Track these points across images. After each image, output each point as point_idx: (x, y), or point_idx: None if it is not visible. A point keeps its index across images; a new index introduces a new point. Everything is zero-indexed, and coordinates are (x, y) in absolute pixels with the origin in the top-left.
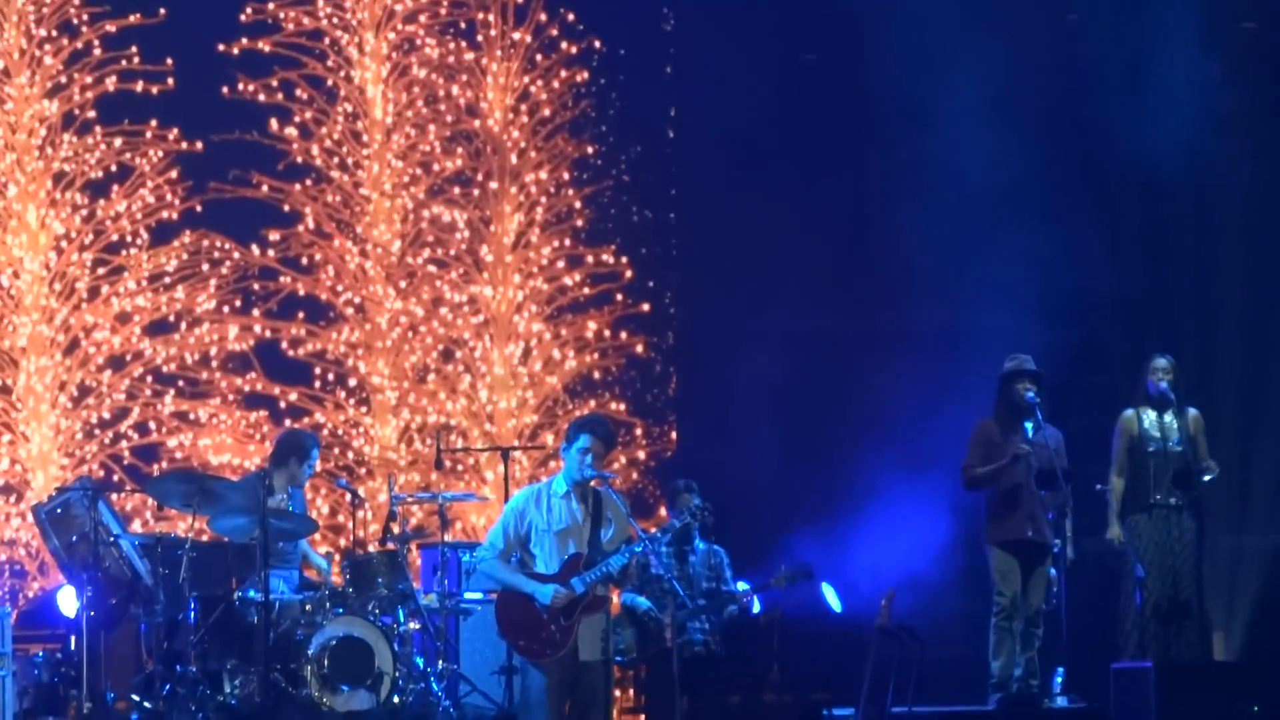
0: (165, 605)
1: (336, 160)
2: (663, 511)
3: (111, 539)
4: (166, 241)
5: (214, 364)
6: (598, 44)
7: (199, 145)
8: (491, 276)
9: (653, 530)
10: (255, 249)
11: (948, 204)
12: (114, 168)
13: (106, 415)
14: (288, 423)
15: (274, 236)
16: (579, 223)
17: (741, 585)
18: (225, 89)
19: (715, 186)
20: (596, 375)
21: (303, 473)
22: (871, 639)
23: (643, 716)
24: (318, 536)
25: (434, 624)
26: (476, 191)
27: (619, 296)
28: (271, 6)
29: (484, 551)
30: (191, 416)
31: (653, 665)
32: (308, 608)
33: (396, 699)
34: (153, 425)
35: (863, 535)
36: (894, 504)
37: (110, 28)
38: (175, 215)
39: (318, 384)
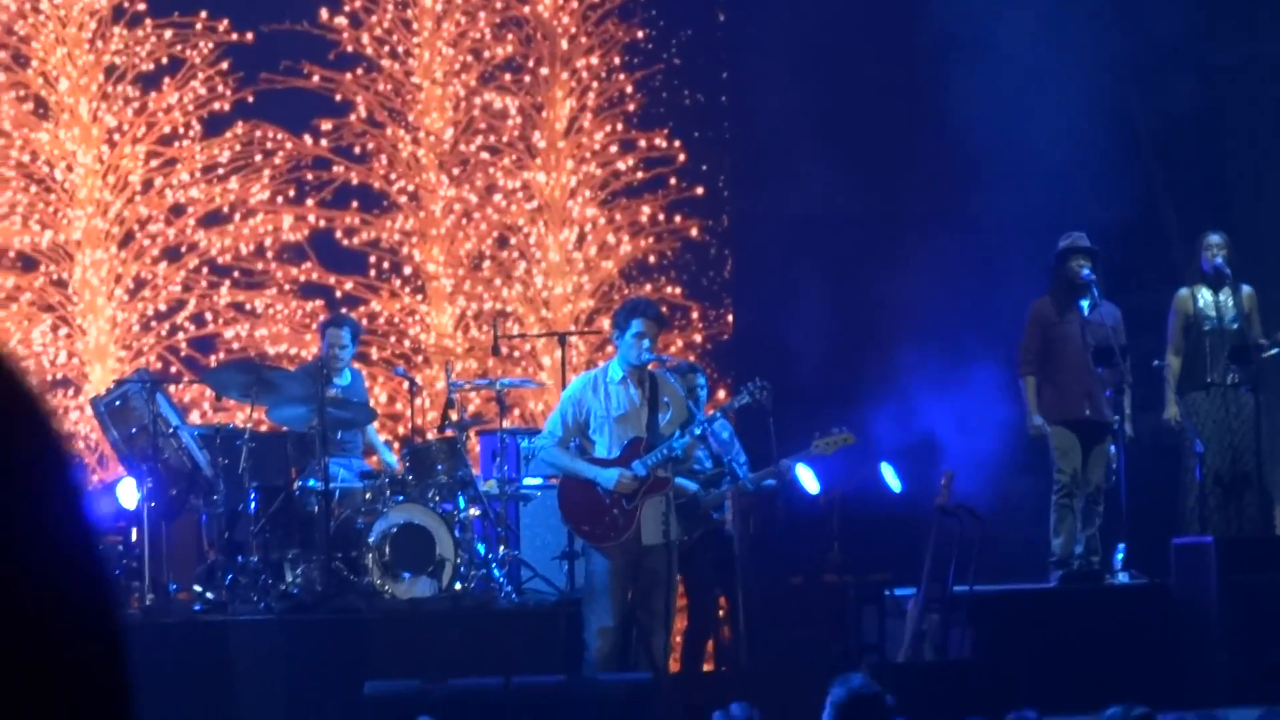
0: (225, 496)
1: (387, 49)
2: (720, 394)
3: (170, 430)
4: (219, 133)
5: (269, 254)
6: None
7: (249, 36)
8: (544, 162)
9: (712, 411)
10: (308, 139)
11: (1001, 82)
12: (165, 60)
13: (163, 307)
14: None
15: (326, 126)
16: (631, 107)
17: (786, 461)
18: None
19: (767, 67)
20: (651, 259)
21: (328, 353)
22: (932, 518)
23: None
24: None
25: (494, 510)
26: (528, 78)
27: (672, 180)
28: None
29: (543, 440)
30: (248, 307)
31: (695, 547)
32: (368, 496)
33: (458, 585)
34: (209, 316)
35: (921, 414)
36: (953, 383)
37: None
38: (227, 107)
39: (373, 272)
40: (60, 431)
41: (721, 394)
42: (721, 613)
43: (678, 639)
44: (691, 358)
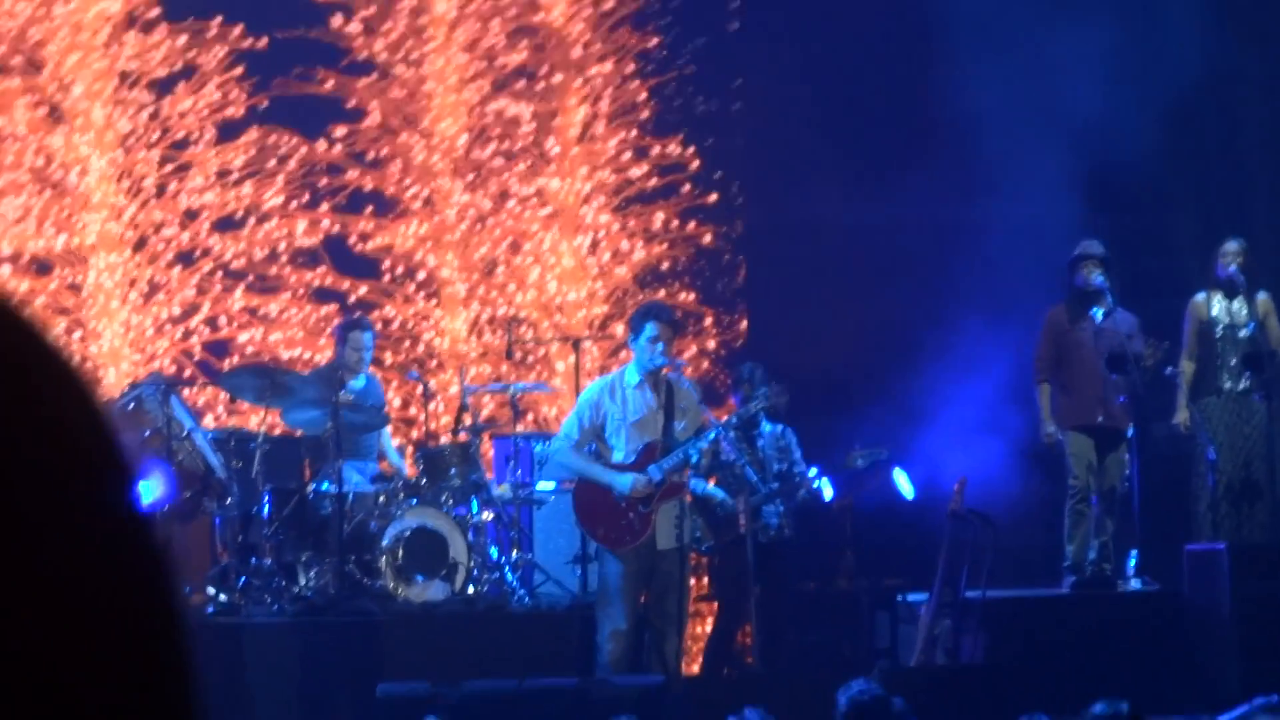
0: (239, 499)
1: (400, 55)
2: (732, 401)
3: (184, 434)
4: (233, 138)
5: (283, 259)
6: None
7: (263, 42)
8: (558, 169)
9: (726, 417)
10: (321, 144)
11: (1016, 88)
12: (179, 66)
13: (177, 311)
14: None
15: (340, 132)
16: (644, 114)
17: (812, 471)
18: None
19: (780, 75)
20: (665, 266)
21: (349, 356)
22: (945, 524)
23: (715, 605)
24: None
25: (508, 514)
26: (541, 84)
27: (685, 187)
28: None
29: (559, 443)
30: (261, 311)
31: (724, 553)
32: (381, 499)
33: (471, 589)
34: (223, 320)
35: (935, 422)
36: (966, 391)
37: None
38: (241, 112)
39: (387, 277)
40: (106, 411)
41: (733, 400)
42: None
43: (700, 643)
44: (705, 364)
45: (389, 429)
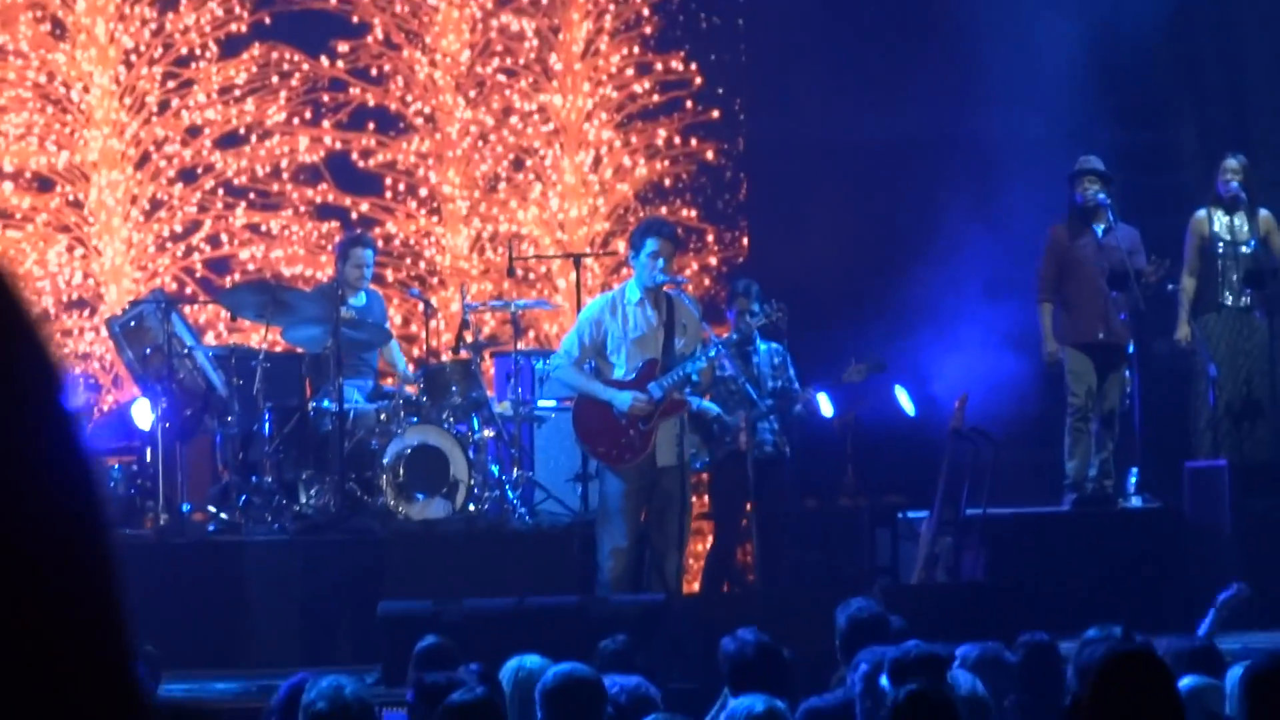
0: (240, 416)
1: None
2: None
3: (185, 351)
4: (236, 54)
5: (285, 176)
6: None
7: None
8: (561, 85)
9: (726, 334)
10: (324, 60)
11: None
12: None
13: (178, 228)
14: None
15: (343, 48)
16: (647, 30)
17: (811, 389)
18: None
19: None
20: (667, 182)
21: (350, 273)
22: (946, 442)
23: (712, 522)
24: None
25: (508, 432)
26: (544, 0)
27: (688, 103)
28: None
29: (559, 359)
30: (263, 228)
31: (719, 470)
32: (383, 417)
33: (472, 507)
34: (225, 238)
35: (936, 338)
36: (968, 307)
37: None
38: (244, 28)
39: (389, 194)
40: (55, 355)
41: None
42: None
43: (701, 561)
44: (706, 281)
45: (396, 344)
